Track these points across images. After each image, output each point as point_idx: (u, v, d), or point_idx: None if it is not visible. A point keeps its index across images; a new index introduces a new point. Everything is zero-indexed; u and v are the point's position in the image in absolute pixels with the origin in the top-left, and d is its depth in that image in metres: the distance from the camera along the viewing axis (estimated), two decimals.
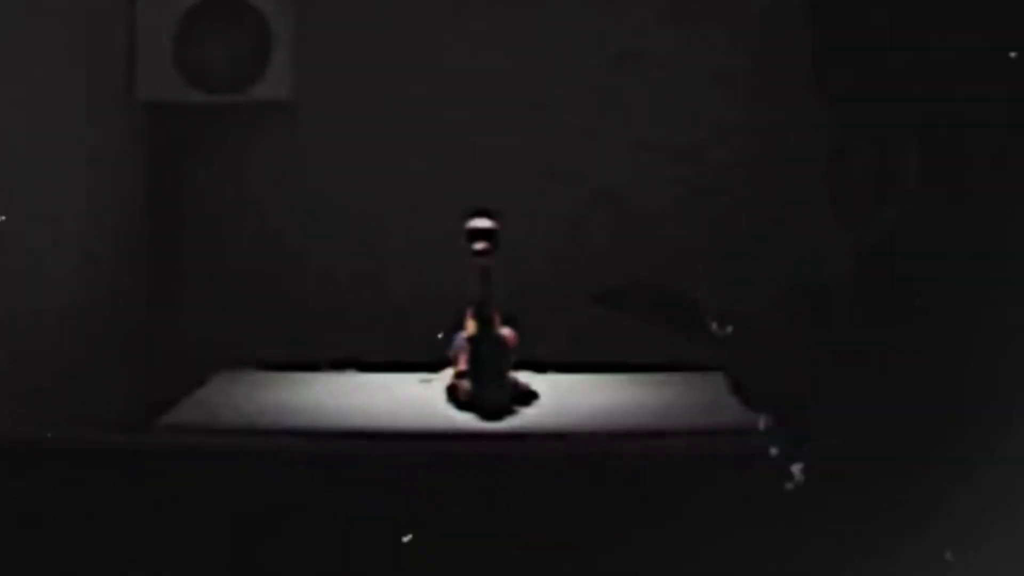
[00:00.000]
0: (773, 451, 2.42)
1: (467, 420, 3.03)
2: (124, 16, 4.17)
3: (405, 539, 2.38)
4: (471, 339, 3.12)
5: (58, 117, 3.69)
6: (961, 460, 2.25)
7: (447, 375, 3.23)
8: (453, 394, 3.15)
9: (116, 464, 2.49)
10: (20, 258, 3.44)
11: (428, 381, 3.30)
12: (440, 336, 3.31)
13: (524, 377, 3.18)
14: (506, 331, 3.15)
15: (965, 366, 2.28)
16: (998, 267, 2.32)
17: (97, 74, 3.99)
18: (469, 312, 3.15)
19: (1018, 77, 2.35)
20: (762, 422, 2.78)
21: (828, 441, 2.37)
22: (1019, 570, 2.25)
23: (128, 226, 4.20)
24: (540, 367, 3.28)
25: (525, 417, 3.05)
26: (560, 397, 3.21)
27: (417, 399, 3.21)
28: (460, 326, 3.20)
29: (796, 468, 2.32)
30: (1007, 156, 2.33)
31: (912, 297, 2.30)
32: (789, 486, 2.34)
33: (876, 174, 2.42)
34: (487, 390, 3.08)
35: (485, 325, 3.11)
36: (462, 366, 3.17)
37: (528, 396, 3.15)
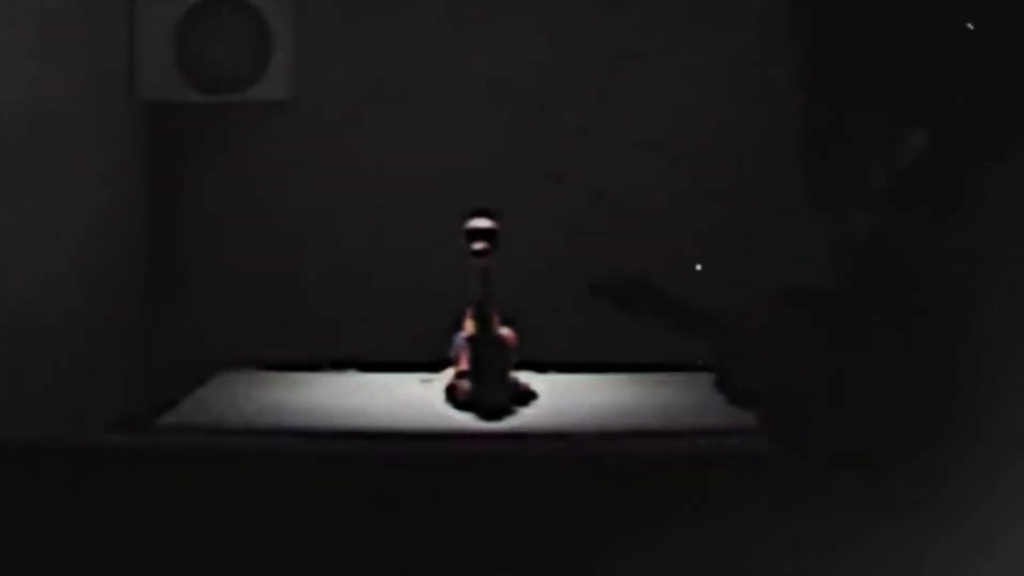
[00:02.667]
0: (772, 451, 2.41)
1: (467, 420, 3.03)
2: (124, 16, 4.17)
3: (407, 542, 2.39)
4: (471, 339, 3.12)
5: (58, 117, 3.69)
6: (960, 460, 2.25)
7: (447, 375, 3.23)
8: (453, 394, 3.15)
9: (116, 464, 2.49)
10: (20, 258, 3.44)
11: (428, 381, 3.31)
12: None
13: (524, 377, 3.18)
14: (506, 331, 3.15)
15: (965, 366, 2.28)
16: (998, 266, 2.32)
17: (97, 74, 3.99)
18: (469, 312, 3.15)
19: (1015, 70, 2.35)
20: (761, 422, 2.77)
21: (827, 441, 2.37)
22: (1020, 571, 2.25)
23: (128, 226, 4.20)
24: (540, 367, 3.28)
25: (525, 417, 3.05)
26: (560, 397, 3.21)
27: (417, 399, 3.21)
28: (460, 326, 3.20)
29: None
30: (1006, 154, 2.34)
31: (911, 297, 2.30)
32: (789, 486, 2.34)
33: (862, 170, 2.43)
34: (487, 390, 3.08)
35: (485, 325, 3.11)
36: (462, 366, 3.18)
37: (528, 396, 3.15)
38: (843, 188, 2.47)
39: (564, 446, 2.75)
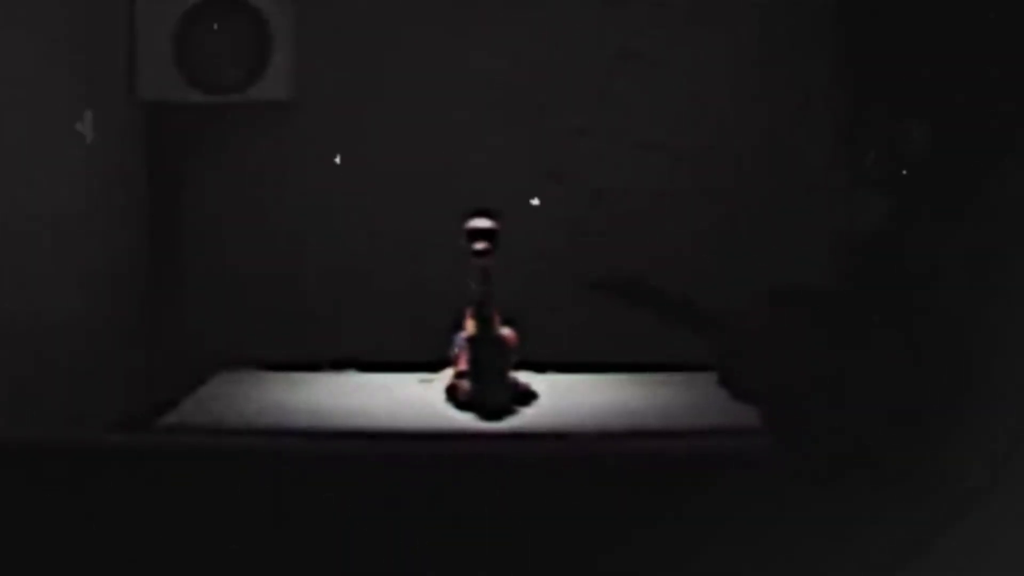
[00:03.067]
0: (772, 451, 2.41)
1: (467, 420, 3.03)
2: (124, 16, 4.17)
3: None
4: (471, 339, 3.12)
5: (58, 117, 3.69)
6: (961, 459, 2.25)
7: (447, 375, 3.23)
8: (453, 394, 3.15)
9: (116, 464, 2.49)
10: (20, 258, 3.44)
11: (428, 381, 3.31)
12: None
13: (524, 377, 3.18)
14: (506, 331, 3.15)
15: (965, 365, 2.28)
16: (999, 265, 2.31)
17: (97, 74, 3.99)
18: (469, 312, 3.15)
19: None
20: (761, 422, 2.78)
21: (827, 440, 2.37)
22: (1019, 570, 2.25)
23: (128, 226, 4.20)
24: (540, 367, 3.28)
25: (525, 417, 3.05)
26: (560, 397, 3.21)
27: (417, 399, 3.21)
28: (460, 326, 3.20)
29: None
30: (1012, 152, 2.33)
31: (911, 296, 2.30)
32: (788, 486, 2.34)
33: (883, 160, 2.43)
34: (487, 390, 3.08)
35: (485, 325, 3.11)
36: (462, 366, 3.18)
37: (528, 396, 3.15)
38: (867, 177, 2.48)
39: (564, 446, 2.75)
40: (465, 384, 3.12)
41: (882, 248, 2.39)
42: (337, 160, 4.26)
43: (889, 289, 2.35)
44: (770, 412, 2.56)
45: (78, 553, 2.45)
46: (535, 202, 4.19)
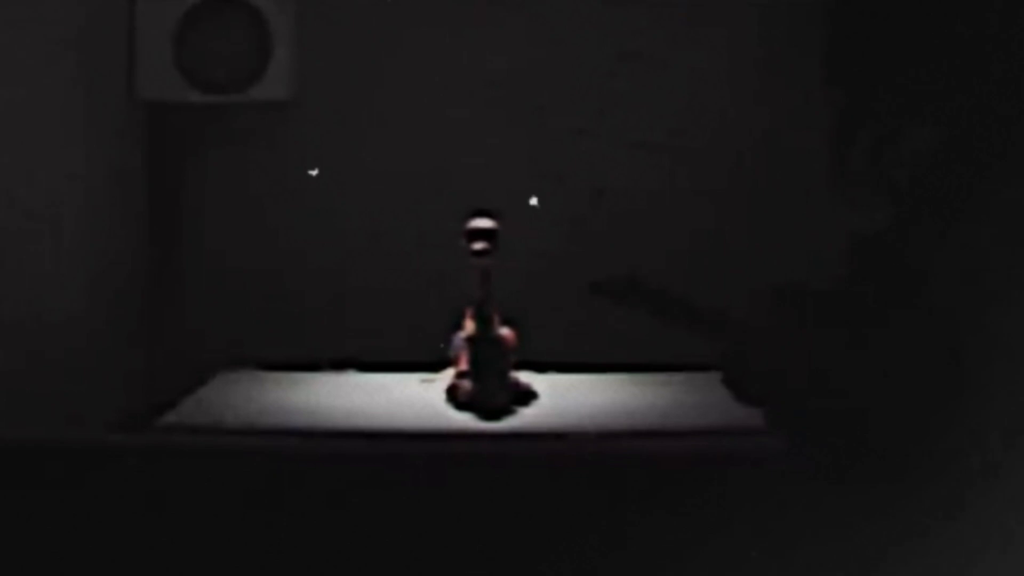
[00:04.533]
0: (773, 451, 2.41)
1: (467, 420, 3.03)
2: (124, 16, 4.17)
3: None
4: (471, 339, 3.12)
5: (58, 117, 3.69)
6: (961, 460, 2.25)
7: (447, 375, 3.23)
8: (453, 394, 3.15)
9: (116, 464, 2.49)
10: (19, 258, 3.44)
11: (428, 381, 3.31)
12: (442, 345, 3.30)
13: (524, 377, 3.18)
14: (506, 331, 3.15)
15: (965, 365, 2.28)
16: (1000, 264, 2.31)
17: (97, 74, 3.99)
18: (469, 312, 3.15)
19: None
20: (762, 422, 2.77)
21: (828, 440, 2.37)
22: (1019, 570, 2.25)
23: (128, 226, 4.20)
24: (540, 367, 3.28)
25: (525, 417, 3.05)
26: (560, 397, 3.21)
27: (417, 399, 3.21)
28: (460, 326, 3.20)
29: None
30: (1014, 153, 2.33)
31: (912, 295, 2.30)
32: (789, 486, 2.34)
33: (882, 160, 2.43)
34: (487, 390, 3.08)
35: (485, 325, 3.11)
36: (462, 366, 3.18)
37: (528, 396, 3.15)
38: (865, 178, 2.47)
39: (564, 446, 2.75)
40: (465, 384, 3.12)
41: (883, 248, 2.39)
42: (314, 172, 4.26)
43: (889, 288, 2.35)
44: (772, 412, 2.56)
45: (78, 553, 2.45)
46: (534, 202, 4.19)
